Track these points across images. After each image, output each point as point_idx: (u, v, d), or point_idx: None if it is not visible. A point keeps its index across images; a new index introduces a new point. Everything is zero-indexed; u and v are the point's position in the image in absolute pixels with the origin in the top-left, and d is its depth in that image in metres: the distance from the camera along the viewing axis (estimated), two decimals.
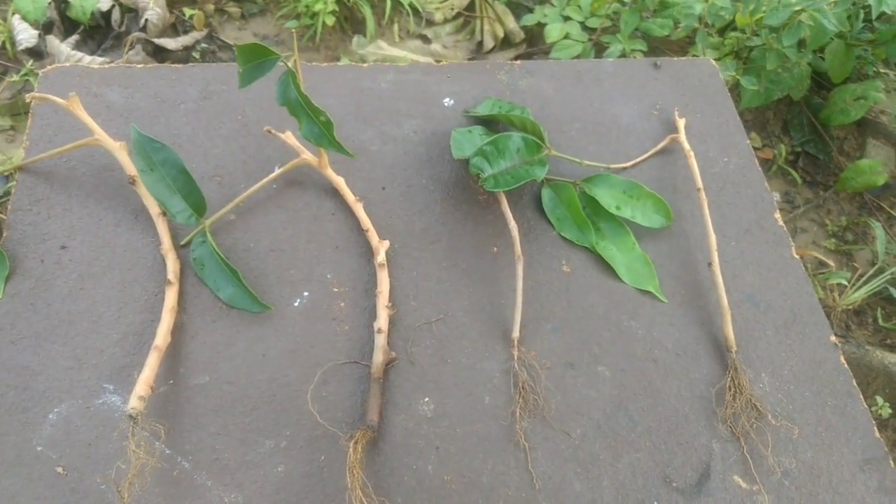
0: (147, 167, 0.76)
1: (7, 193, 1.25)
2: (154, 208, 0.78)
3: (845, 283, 1.29)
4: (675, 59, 1.07)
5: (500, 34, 1.77)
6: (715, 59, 1.08)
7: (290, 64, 0.68)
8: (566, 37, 1.67)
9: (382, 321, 0.74)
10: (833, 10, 1.28)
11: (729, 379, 0.76)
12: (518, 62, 1.02)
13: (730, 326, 0.78)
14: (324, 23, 1.65)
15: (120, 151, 0.79)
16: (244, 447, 0.68)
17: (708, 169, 0.94)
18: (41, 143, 0.84)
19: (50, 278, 0.75)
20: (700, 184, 0.87)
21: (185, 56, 1.61)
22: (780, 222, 0.90)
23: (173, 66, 0.94)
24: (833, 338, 0.81)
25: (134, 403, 0.63)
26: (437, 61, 1.65)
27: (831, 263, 1.35)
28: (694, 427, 0.74)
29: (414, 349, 0.75)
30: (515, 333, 0.75)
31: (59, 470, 0.64)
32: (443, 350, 0.75)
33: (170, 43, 1.58)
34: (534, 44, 1.79)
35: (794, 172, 1.52)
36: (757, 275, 0.85)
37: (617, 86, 1.01)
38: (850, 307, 1.30)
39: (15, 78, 1.42)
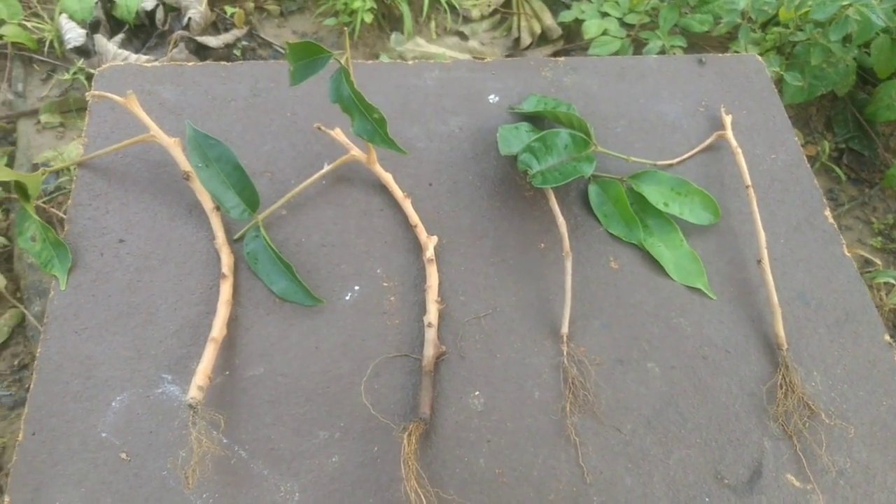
0: (202, 163, 0.78)
1: (58, 189, 1.28)
2: (208, 203, 0.79)
3: (893, 281, 1.26)
4: (721, 55, 1.06)
5: (538, 31, 1.76)
6: (757, 55, 1.07)
7: (342, 61, 0.69)
8: (604, 33, 1.66)
9: (432, 315, 0.75)
10: (881, 5, 1.25)
11: (780, 377, 0.75)
12: (562, 59, 1.02)
13: (780, 324, 0.78)
14: (362, 20, 1.66)
15: (175, 147, 0.80)
16: (299, 438, 0.69)
17: (756, 166, 0.93)
18: (98, 139, 0.86)
19: (109, 271, 0.77)
20: (749, 181, 0.87)
21: (226, 54, 1.63)
22: (831, 220, 0.89)
23: (223, 63, 0.95)
24: (887, 337, 0.80)
25: (194, 393, 0.65)
26: (475, 58, 1.65)
27: (878, 262, 1.33)
28: (745, 424, 0.73)
29: (463, 343, 0.76)
30: (565, 329, 0.76)
31: (123, 456, 0.66)
32: (492, 345, 0.76)
33: (212, 41, 1.61)
34: (571, 40, 1.78)
35: (837, 169, 1.50)
36: (807, 272, 0.85)
37: (661, 82, 1.01)
38: None
39: (66, 76, 1.45)
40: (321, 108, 0.91)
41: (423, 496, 0.63)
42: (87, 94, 0.84)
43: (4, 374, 1.11)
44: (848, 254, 0.86)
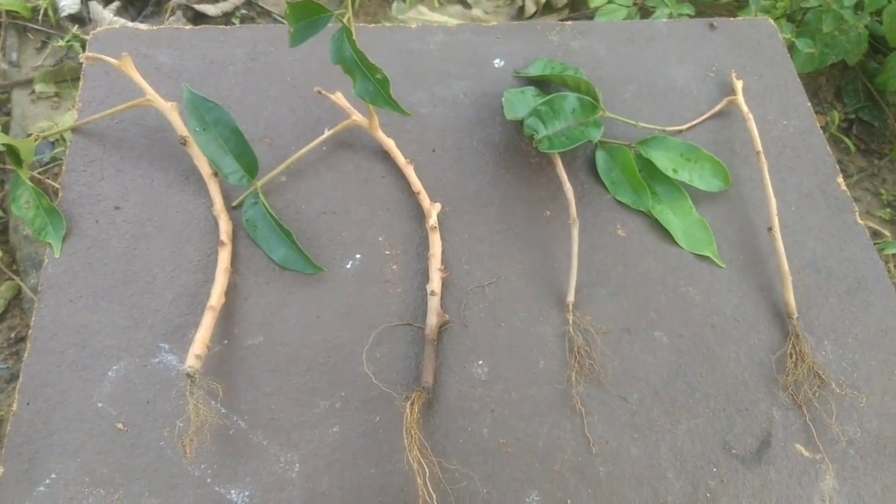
0: (200, 127, 0.76)
1: (54, 159, 1.26)
2: (205, 169, 0.77)
3: None
4: (732, 19, 1.03)
5: None
6: (770, 19, 1.04)
7: (344, 20, 0.67)
8: (610, 1, 1.63)
9: (435, 284, 0.73)
10: None
11: (790, 346, 0.74)
12: (569, 23, 0.99)
13: (790, 292, 0.76)
14: None
15: (171, 112, 0.78)
16: (299, 407, 0.68)
17: (767, 132, 0.91)
18: (93, 104, 0.84)
19: (105, 238, 0.75)
20: (759, 147, 0.84)
21: (224, 22, 1.59)
22: (843, 187, 0.87)
23: (221, 27, 0.93)
24: None
25: (191, 362, 0.63)
26: None
27: (887, 233, 1.31)
28: (753, 394, 0.72)
29: (467, 312, 0.74)
30: (570, 297, 0.74)
31: (120, 426, 0.65)
32: (496, 313, 0.74)
33: (210, 9, 1.57)
34: (576, 9, 1.75)
35: (847, 140, 1.47)
36: (819, 240, 0.83)
37: (671, 47, 0.98)
38: None
39: (60, 43, 1.42)
40: (321, 73, 0.89)
41: (425, 466, 0.62)
42: (80, 56, 0.82)
43: (1, 347, 1.10)
44: (860, 222, 0.84)
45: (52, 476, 0.62)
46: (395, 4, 1.65)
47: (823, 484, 0.68)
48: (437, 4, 1.69)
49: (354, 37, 0.66)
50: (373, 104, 0.69)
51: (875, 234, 1.33)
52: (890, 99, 1.53)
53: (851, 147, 1.47)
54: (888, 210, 1.38)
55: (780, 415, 0.71)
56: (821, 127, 1.49)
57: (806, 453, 0.69)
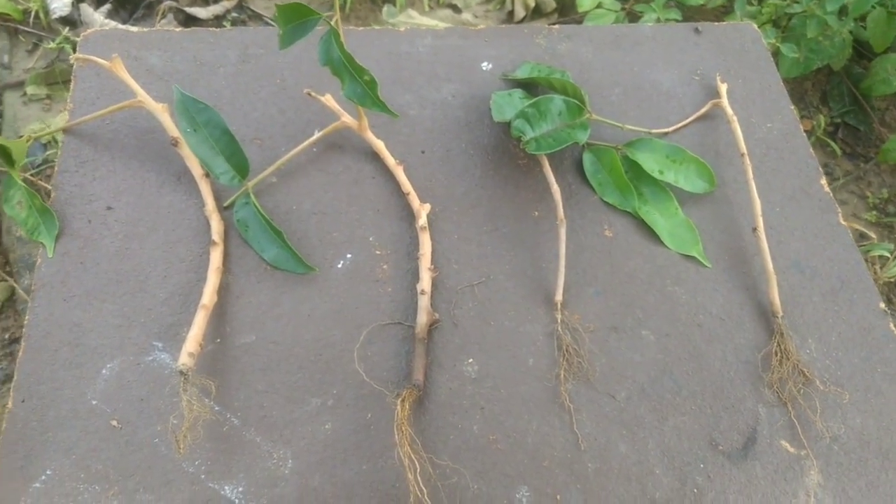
0: (191, 128, 0.77)
1: (46, 161, 1.26)
2: (197, 170, 0.78)
3: (888, 254, 1.26)
4: (717, 24, 1.05)
5: (532, 3, 1.74)
6: (753, 24, 1.06)
7: (332, 23, 0.68)
8: (599, 6, 1.64)
9: (425, 283, 0.74)
10: None
11: (775, 344, 0.75)
12: (556, 27, 1.00)
13: (775, 292, 0.77)
14: None
15: (162, 113, 0.79)
16: (291, 405, 0.68)
17: (751, 134, 0.92)
18: (84, 105, 0.84)
19: (97, 238, 0.76)
20: (744, 149, 0.86)
21: (215, 25, 1.60)
22: (826, 188, 0.88)
23: (211, 29, 0.93)
24: (882, 304, 0.80)
25: (184, 360, 0.64)
26: None
27: (873, 235, 1.33)
28: (739, 391, 0.73)
29: (457, 311, 0.75)
30: (558, 297, 0.75)
31: (114, 423, 0.66)
32: (485, 312, 0.75)
33: (201, 12, 1.58)
34: (565, 13, 1.76)
35: (833, 144, 1.49)
36: (803, 241, 0.84)
37: (657, 50, 0.99)
38: (893, 279, 1.28)
39: (51, 45, 1.42)
40: (312, 75, 0.90)
41: (416, 462, 0.63)
42: (71, 57, 0.82)
43: None
44: (843, 222, 0.86)
45: (48, 473, 0.63)
46: (385, 8, 1.66)
47: (808, 479, 0.69)
48: (426, 9, 1.71)
49: (342, 39, 0.67)
50: (361, 105, 0.70)
51: (861, 237, 1.35)
52: (875, 103, 1.56)
53: (837, 151, 1.49)
54: (874, 213, 1.40)
55: (765, 412, 0.72)
56: (807, 131, 1.52)
57: (791, 449, 0.71)
